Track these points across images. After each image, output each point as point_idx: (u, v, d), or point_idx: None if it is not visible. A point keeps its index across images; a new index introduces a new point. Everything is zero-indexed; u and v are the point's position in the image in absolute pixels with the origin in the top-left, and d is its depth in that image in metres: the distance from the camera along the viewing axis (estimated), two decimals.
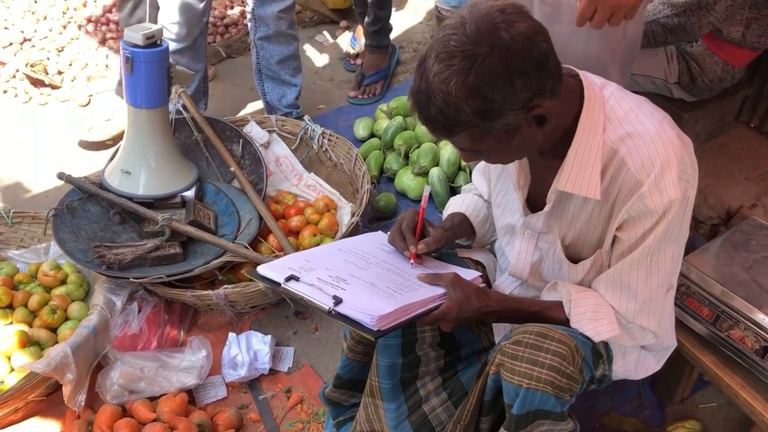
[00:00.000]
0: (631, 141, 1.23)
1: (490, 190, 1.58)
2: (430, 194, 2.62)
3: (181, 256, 2.15)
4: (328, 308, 1.24)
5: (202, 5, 2.64)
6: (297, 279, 1.32)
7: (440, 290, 1.35)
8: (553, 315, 1.39)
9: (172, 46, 2.66)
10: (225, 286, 2.10)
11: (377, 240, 1.53)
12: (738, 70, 2.35)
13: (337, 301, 1.24)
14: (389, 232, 1.51)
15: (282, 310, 2.28)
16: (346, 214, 2.46)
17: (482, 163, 1.66)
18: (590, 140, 1.25)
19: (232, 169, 2.43)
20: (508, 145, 1.22)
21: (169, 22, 2.63)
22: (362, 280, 1.33)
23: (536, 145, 1.26)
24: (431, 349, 1.52)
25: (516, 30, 1.11)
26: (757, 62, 2.48)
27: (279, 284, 1.32)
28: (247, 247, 2.16)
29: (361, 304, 1.24)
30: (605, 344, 1.42)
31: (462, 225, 1.64)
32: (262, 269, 1.37)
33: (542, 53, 1.13)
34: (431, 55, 1.14)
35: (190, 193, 2.34)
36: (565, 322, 1.36)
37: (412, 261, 1.45)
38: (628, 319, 1.34)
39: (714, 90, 2.42)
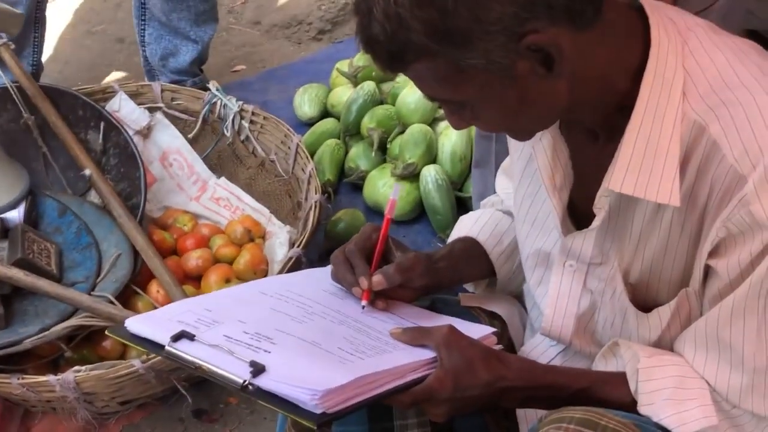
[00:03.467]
0: (727, 113, 1.29)
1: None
2: (424, 212, 2.74)
3: (2, 320, 2.21)
4: (242, 381, 1.29)
5: None
6: (192, 337, 1.38)
7: (427, 354, 1.42)
8: (610, 394, 1.45)
9: None
10: (76, 368, 2.14)
11: (324, 280, 1.61)
12: None
13: (258, 369, 1.29)
14: (332, 257, 1.59)
15: (174, 409, 2.34)
16: (280, 244, 2.53)
17: (508, 160, 1.74)
18: (662, 109, 1.32)
19: (88, 173, 2.50)
20: (504, 100, 1.29)
21: None
22: (298, 338, 1.40)
23: (556, 107, 1.34)
24: None
25: None
26: None
27: (162, 346, 1.38)
28: (112, 302, 2.23)
29: (297, 373, 1.30)
30: None
31: (471, 257, 1.72)
32: (133, 323, 1.44)
33: None
34: None
35: (15, 215, 2.41)
36: (631, 405, 1.42)
37: (363, 303, 1.52)
38: (731, 402, 1.40)
39: None
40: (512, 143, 1.63)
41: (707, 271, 1.37)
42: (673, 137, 1.33)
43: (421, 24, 1.21)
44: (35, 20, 2.96)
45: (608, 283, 1.48)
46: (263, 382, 1.29)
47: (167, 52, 3.04)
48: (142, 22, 3.04)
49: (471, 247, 1.72)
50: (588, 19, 1.26)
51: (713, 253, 1.35)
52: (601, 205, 1.42)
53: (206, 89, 2.86)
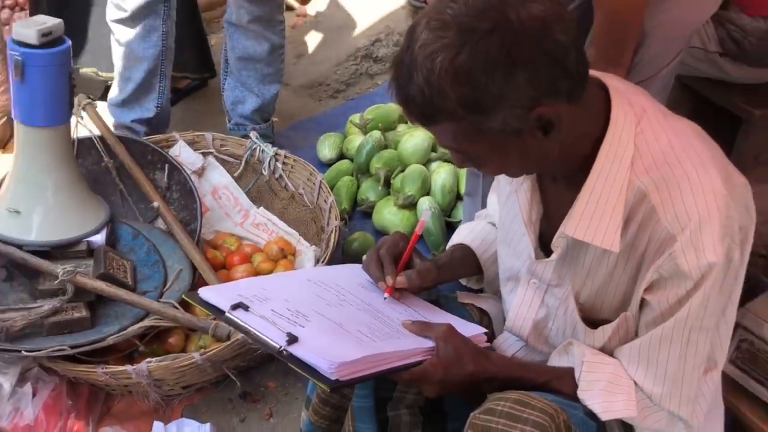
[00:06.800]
0: (665, 185, 1.33)
1: None
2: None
3: (89, 322, 2.23)
4: (278, 347, 1.35)
5: None
6: (246, 308, 1.44)
7: (428, 343, 1.46)
8: (561, 386, 1.49)
9: (115, 13, 2.83)
10: (148, 359, 2.17)
11: (359, 274, 1.65)
12: None
13: (292, 339, 1.35)
14: (364, 256, 1.64)
15: (225, 391, 2.37)
16: (308, 260, 2.55)
17: (497, 182, 1.76)
18: (613, 174, 1.35)
19: (156, 204, 2.54)
20: (504, 154, 1.33)
21: None
22: (328, 319, 1.45)
23: (545, 162, 1.37)
24: (408, 411, 1.63)
25: (528, 11, 1.21)
26: None
27: (223, 312, 1.45)
28: (176, 307, 2.25)
29: (321, 346, 1.35)
30: (628, 431, 1.51)
31: (465, 261, 1.76)
32: (204, 292, 1.50)
33: (558, 46, 1.23)
34: (422, 21, 1.25)
35: (99, 238, 2.43)
36: (575, 396, 1.47)
37: (386, 295, 1.57)
38: (654, 402, 1.45)
39: None
40: (501, 178, 1.67)
41: (642, 303, 1.43)
42: (619, 198, 1.36)
43: (456, 95, 1.23)
44: (160, 73, 2.98)
45: (563, 301, 1.53)
46: (294, 349, 1.35)
47: (237, 99, 3.09)
48: (225, 74, 3.11)
49: (466, 253, 1.77)
50: (578, 96, 1.30)
51: (648, 290, 1.40)
52: (558, 245, 1.47)
53: (247, 137, 2.89)
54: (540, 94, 1.25)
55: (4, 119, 3.02)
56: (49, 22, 2.25)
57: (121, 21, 2.84)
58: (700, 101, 2.61)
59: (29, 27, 2.21)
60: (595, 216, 1.37)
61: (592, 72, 1.38)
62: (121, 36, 2.86)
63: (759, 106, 2.50)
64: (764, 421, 1.84)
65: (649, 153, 1.36)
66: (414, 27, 1.27)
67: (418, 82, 1.24)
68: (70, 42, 2.30)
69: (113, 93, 2.98)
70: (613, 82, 1.42)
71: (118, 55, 2.92)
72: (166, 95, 3.04)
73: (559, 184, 1.47)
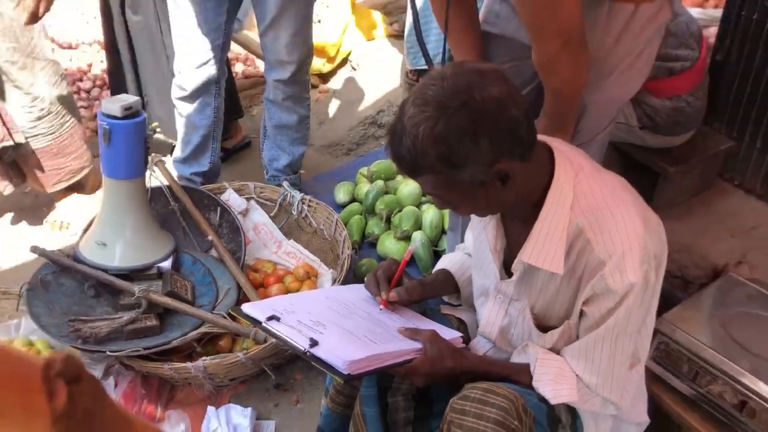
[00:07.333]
0: (597, 224, 1.38)
1: None
2: (413, 258, 2.80)
3: (158, 329, 2.27)
4: (303, 349, 1.39)
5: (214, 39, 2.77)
6: (278, 319, 1.48)
7: (417, 345, 1.50)
8: (521, 378, 1.52)
9: (178, 92, 2.88)
10: (203, 358, 2.20)
11: (363, 291, 1.70)
12: (690, 93, 2.52)
13: (313, 343, 1.40)
14: (366, 277, 1.68)
15: (262, 383, 2.39)
16: (327, 280, 2.59)
17: (472, 222, 1.81)
18: (557, 215, 1.40)
19: (210, 238, 2.58)
20: (474, 200, 1.38)
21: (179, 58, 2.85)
22: (341, 327, 1.49)
23: (505, 205, 1.42)
24: (403, 398, 1.65)
25: (488, 93, 1.27)
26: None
27: (260, 322, 1.49)
28: (225, 317, 2.28)
29: (336, 349, 1.39)
30: (572, 413, 1.54)
31: (446, 282, 1.79)
32: (246, 307, 1.54)
33: (512, 119, 1.28)
34: (410, 98, 1.32)
35: (166, 264, 2.47)
36: (532, 386, 1.50)
37: (381, 307, 1.61)
38: (591, 389, 1.48)
39: (683, 122, 2.57)
40: (474, 218, 1.70)
41: (581, 313, 1.46)
42: (562, 233, 1.40)
43: (435, 154, 1.28)
44: (212, 137, 3.02)
45: (521, 312, 1.56)
46: (315, 350, 1.40)
47: (272, 157, 3.12)
48: (263, 137, 3.14)
49: (448, 276, 1.80)
50: (527, 156, 1.34)
51: (585, 303, 1.43)
52: (516, 269, 1.50)
53: (281, 186, 2.94)
54: (499, 154, 1.29)
55: (90, 167, 3.10)
56: (129, 99, 2.32)
57: (182, 98, 2.89)
58: (628, 160, 2.67)
59: (114, 103, 2.27)
60: (544, 247, 1.41)
61: (541, 137, 1.43)
62: (183, 110, 2.92)
63: (672, 164, 2.57)
64: (677, 404, 1.88)
65: (585, 199, 1.40)
66: (404, 103, 1.33)
67: (407, 144, 1.29)
68: (145, 115, 2.37)
69: (177, 153, 3.04)
70: (557, 145, 1.47)
71: (180, 124, 2.97)
72: (217, 154, 3.09)
73: (517, 223, 1.51)
